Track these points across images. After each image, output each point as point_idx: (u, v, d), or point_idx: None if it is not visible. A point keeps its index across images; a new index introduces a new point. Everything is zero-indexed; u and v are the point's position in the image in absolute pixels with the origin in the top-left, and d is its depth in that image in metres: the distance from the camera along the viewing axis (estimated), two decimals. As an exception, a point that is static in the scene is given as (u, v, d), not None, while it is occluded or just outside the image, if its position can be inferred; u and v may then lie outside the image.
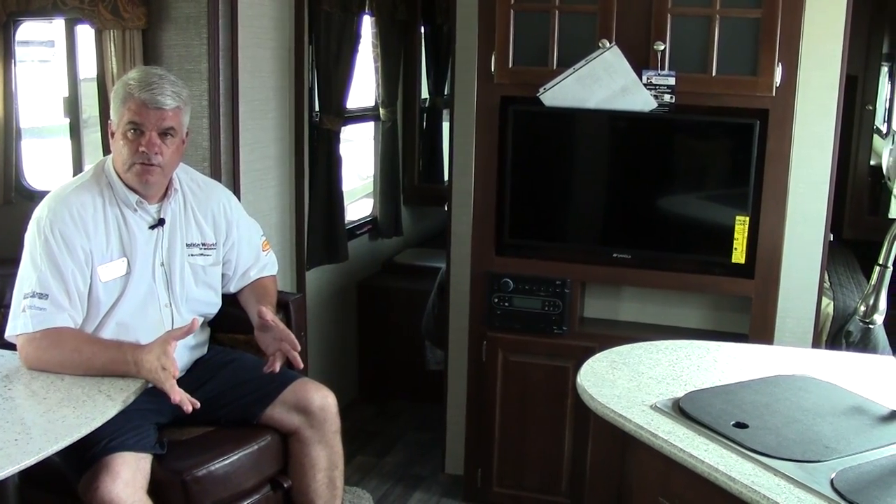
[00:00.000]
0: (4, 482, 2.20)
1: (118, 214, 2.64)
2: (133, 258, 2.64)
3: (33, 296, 2.47)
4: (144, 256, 2.67)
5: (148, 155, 2.55)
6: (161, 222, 2.70)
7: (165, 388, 2.39)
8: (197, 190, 2.84)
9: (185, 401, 2.41)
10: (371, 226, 5.27)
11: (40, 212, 2.58)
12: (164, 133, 2.58)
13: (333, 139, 4.39)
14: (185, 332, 2.51)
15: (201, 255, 2.81)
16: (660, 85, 3.23)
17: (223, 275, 2.91)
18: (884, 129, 5.63)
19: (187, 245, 2.77)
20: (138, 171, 2.58)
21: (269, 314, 2.72)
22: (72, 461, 2.41)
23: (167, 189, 2.72)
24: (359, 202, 5.65)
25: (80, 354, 2.41)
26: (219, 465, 2.62)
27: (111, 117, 2.64)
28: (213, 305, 2.89)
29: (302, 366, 2.75)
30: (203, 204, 2.83)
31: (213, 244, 2.84)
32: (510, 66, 3.38)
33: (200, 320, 2.80)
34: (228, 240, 2.89)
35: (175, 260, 2.73)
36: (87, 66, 3.61)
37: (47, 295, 2.47)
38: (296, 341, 2.71)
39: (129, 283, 2.63)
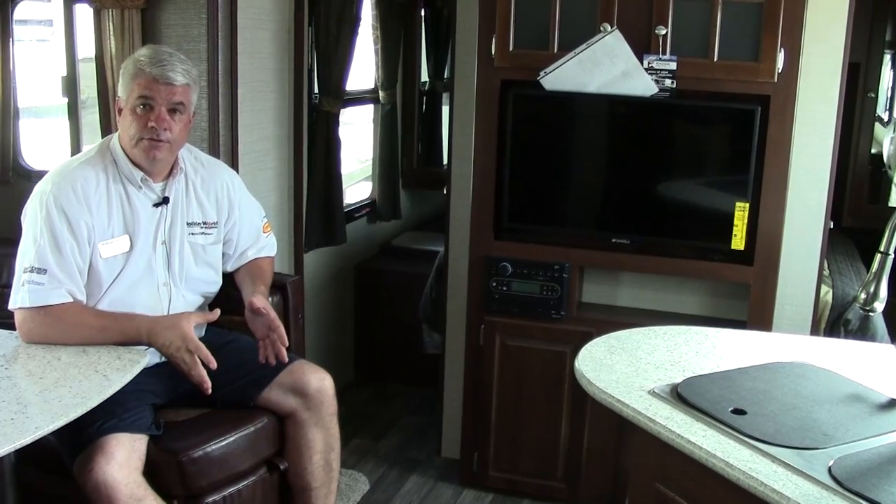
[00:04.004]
0: (1, 461, 2.20)
1: (121, 191, 2.63)
2: (135, 235, 2.64)
3: (32, 270, 2.47)
4: (146, 234, 2.66)
5: (157, 130, 2.56)
6: (165, 200, 2.69)
7: (185, 369, 2.51)
8: (200, 168, 2.83)
9: (206, 380, 2.51)
10: (369, 209, 5.26)
11: (43, 186, 2.58)
12: (174, 109, 2.59)
13: (332, 121, 4.38)
14: (204, 318, 2.59)
15: (202, 233, 2.80)
16: (661, 69, 3.21)
17: (223, 254, 2.90)
18: (885, 117, 5.61)
19: (188, 224, 2.76)
20: (146, 146, 2.58)
21: (259, 302, 2.72)
22: (67, 442, 2.41)
23: (173, 168, 2.72)
24: (357, 185, 5.64)
25: (87, 329, 2.46)
26: (215, 446, 2.62)
27: (119, 94, 2.64)
28: (214, 284, 2.88)
29: (286, 360, 2.77)
30: (206, 182, 2.82)
31: (214, 223, 2.83)
32: (511, 49, 3.37)
33: (217, 313, 2.79)
34: (230, 219, 2.88)
35: (175, 238, 2.73)
36: (86, 46, 3.59)
37: (45, 270, 2.47)
38: (284, 335, 2.74)
39: (129, 261, 2.63)
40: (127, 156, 2.63)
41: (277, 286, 3.06)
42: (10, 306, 2.49)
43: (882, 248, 2.10)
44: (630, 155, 3.44)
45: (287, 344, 2.75)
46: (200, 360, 2.51)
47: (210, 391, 2.53)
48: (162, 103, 2.56)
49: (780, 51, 3.11)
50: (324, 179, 4.36)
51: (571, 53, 3.26)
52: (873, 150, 5.57)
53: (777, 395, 2.13)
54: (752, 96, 3.18)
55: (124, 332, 2.49)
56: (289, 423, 2.82)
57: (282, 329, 2.72)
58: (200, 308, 2.86)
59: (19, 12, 3.72)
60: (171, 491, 2.52)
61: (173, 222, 2.73)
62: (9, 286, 2.53)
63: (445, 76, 5.86)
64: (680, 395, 2.08)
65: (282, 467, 2.85)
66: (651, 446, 2.03)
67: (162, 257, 2.70)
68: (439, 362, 3.96)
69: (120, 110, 2.63)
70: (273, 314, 2.73)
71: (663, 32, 3.19)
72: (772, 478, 1.74)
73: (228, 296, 2.92)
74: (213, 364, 2.51)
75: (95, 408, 2.09)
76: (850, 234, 5.01)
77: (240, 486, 2.73)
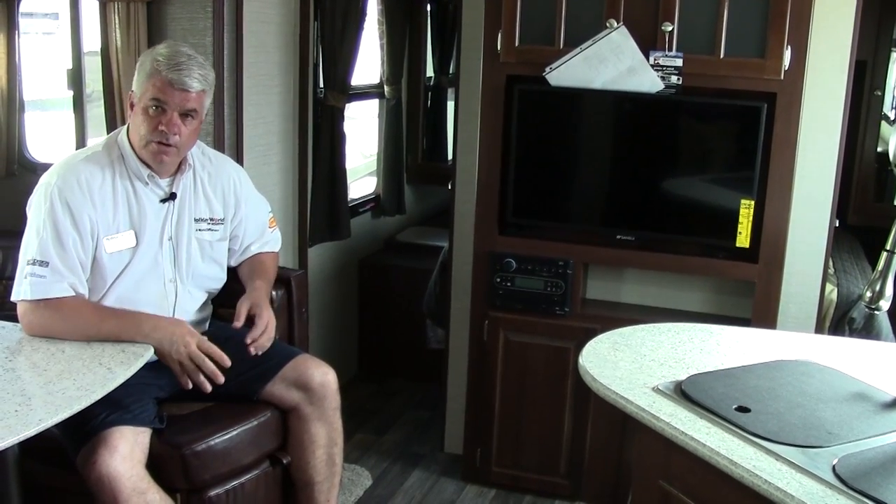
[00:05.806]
0: (4, 453, 2.20)
1: (128, 187, 2.62)
2: (141, 231, 2.63)
3: (34, 263, 2.47)
4: (153, 230, 2.65)
5: (167, 134, 2.54)
6: (172, 196, 2.69)
7: (177, 370, 2.53)
8: (207, 164, 2.82)
9: (205, 385, 2.55)
10: (374, 203, 5.25)
11: (48, 178, 2.57)
12: (186, 114, 2.57)
13: (337, 116, 4.37)
14: (203, 340, 2.57)
15: (209, 229, 2.79)
16: (667, 66, 3.20)
17: (228, 249, 2.90)
18: (891, 115, 5.59)
19: (195, 219, 2.76)
20: (154, 149, 2.57)
21: (240, 321, 2.71)
22: (70, 435, 2.41)
23: (180, 164, 2.71)
24: (362, 180, 5.64)
25: (85, 323, 2.44)
26: (218, 440, 2.62)
27: (133, 88, 2.61)
28: (219, 281, 2.88)
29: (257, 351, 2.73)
30: (213, 178, 2.82)
31: (220, 219, 2.83)
32: (516, 44, 3.36)
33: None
34: (237, 216, 2.88)
35: (183, 234, 2.72)
36: (92, 39, 3.58)
37: (48, 262, 2.47)
38: (263, 336, 2.71)
39: (135, 256, 2.62)
40: (135, 152, 2.63)
41: (281, 281, 3.06)
42: (13, 298, 2.49)
43: (888, 247, 2.09)
44: (635, 151, 3.44)
45: (268, 344, 2.73)
46: (214, 361, 2.53)
47: (209, 390, 2.54)
48: (175, 108, 2.54)
49: (787, 48, 3.10)
50: (328, 174, 4.36)
51: (577, 49, 3.25)
52: (879, 149, 5.55)
53: (781, 393, 2.12)
54: (759, 93, 3.17)
55: (123, 329, 2.46)
56: (292, 417, 2.82)
57: (260, 332, 2.71)
58: (204, 304, 2.86)
59: (25, 5, 3.72)
60: (174, 484, 2.53)
61: (180, 218, 2.72)
62: (14, 278, 2.53)
63: (451, 71, 5.85)
64: (684, 393, 2.08)
65: (285, 461, 2.85)
66: (654, 443, 2.03)
67: (169, 253, 2.70)
68: (443, 358, 3.96)
69: (132, 105, 2.61)
70: (260, 322, 2.72)
71: (669, 29, 3.18)
72: (775, 476, 1.74)
73: (232, 290, 2.92)
74: (227, 362, 2.54)
75: (99, 401, 2.09)
76: (856, 233, 5.00)
77: (243, 479, 2.73)
